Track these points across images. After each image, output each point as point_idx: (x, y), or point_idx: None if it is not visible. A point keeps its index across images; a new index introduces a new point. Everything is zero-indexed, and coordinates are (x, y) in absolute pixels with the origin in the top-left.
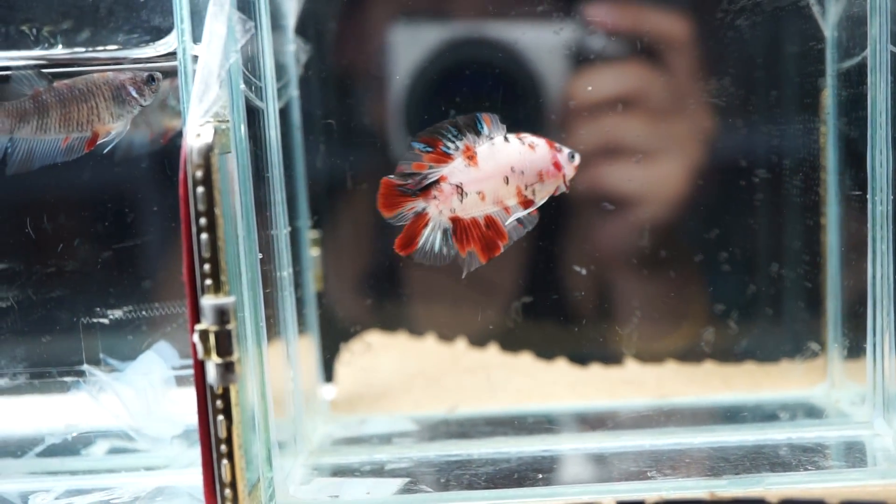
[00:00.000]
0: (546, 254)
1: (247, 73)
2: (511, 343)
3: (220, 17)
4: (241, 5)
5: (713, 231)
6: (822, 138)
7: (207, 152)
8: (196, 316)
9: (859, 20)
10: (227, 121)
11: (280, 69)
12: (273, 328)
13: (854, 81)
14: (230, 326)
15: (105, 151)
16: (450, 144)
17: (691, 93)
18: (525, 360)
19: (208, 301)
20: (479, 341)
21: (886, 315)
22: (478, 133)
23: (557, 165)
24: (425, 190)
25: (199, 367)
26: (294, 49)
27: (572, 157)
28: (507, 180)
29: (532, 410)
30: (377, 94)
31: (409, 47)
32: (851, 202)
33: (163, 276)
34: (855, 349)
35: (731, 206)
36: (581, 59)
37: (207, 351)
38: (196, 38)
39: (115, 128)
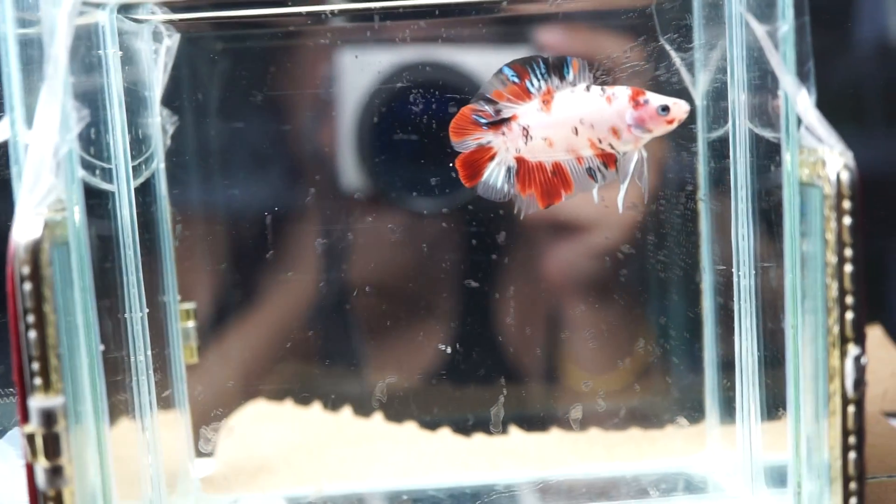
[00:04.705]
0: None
1: (88, 157)
2: (394, 413)
3: (52, 104)
4: (87, 88)
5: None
6: (699, 206)
7: (35, 247)
8: (25, 417)
9: (722, 93)
10: (65, 209)
11: (144, 141)
12: (126, 414)
13: (719, 153)
14: (58, 428)
15: None
16: (535, 82)
17: None
18: (409, 430)
19: (35, 402)
20: (363, 411)
21: (752, 386)
22: (562, 77)
23: (641, 120)
24: (495, 124)
25: (30, 470)
26: (160, 121)
27: (664, 109)
28: (576, 131)
29: (406, 487)
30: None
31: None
32: (718, 275)
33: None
34: (731, 418)
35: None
36: None
37: (34, 453)
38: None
39: None
